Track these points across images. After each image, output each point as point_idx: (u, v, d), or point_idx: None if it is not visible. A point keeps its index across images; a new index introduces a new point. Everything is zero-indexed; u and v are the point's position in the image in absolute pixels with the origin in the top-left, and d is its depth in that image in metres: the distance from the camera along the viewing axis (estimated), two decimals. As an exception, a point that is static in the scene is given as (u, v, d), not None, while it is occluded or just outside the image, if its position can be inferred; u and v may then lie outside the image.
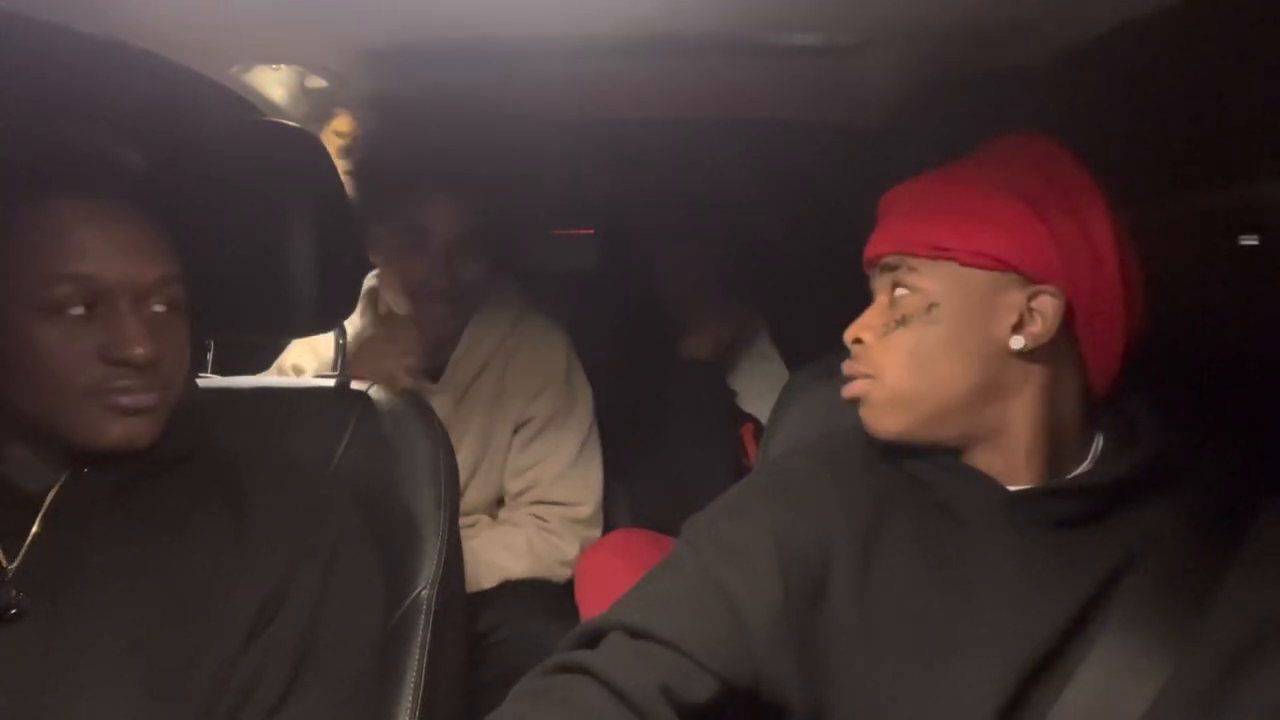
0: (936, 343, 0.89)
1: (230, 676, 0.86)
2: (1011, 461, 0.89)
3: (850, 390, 0.94)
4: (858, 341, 0.93)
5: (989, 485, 0.88)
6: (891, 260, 0.92)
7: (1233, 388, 1.02)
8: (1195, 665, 0.79)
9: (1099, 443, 0.92)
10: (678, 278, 1.83)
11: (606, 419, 1.69)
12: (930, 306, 0.89)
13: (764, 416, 1.38)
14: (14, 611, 0.84)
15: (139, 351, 0.85)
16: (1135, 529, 0.85)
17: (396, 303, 1.56)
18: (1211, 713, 0.77)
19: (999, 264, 0.87)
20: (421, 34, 1.08)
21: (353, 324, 1.57)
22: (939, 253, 0.89)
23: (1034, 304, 0.87)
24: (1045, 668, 0.82)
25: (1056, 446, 0.90)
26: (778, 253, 1.90)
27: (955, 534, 0.88)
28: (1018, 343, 0.87)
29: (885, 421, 0.92)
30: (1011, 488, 0.88)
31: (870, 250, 0.95)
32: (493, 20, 1.03)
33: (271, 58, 1.16)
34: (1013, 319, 0.87)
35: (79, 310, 0.85)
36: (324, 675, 0.90)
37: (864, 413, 0.93)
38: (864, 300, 0.96)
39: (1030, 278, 0.87)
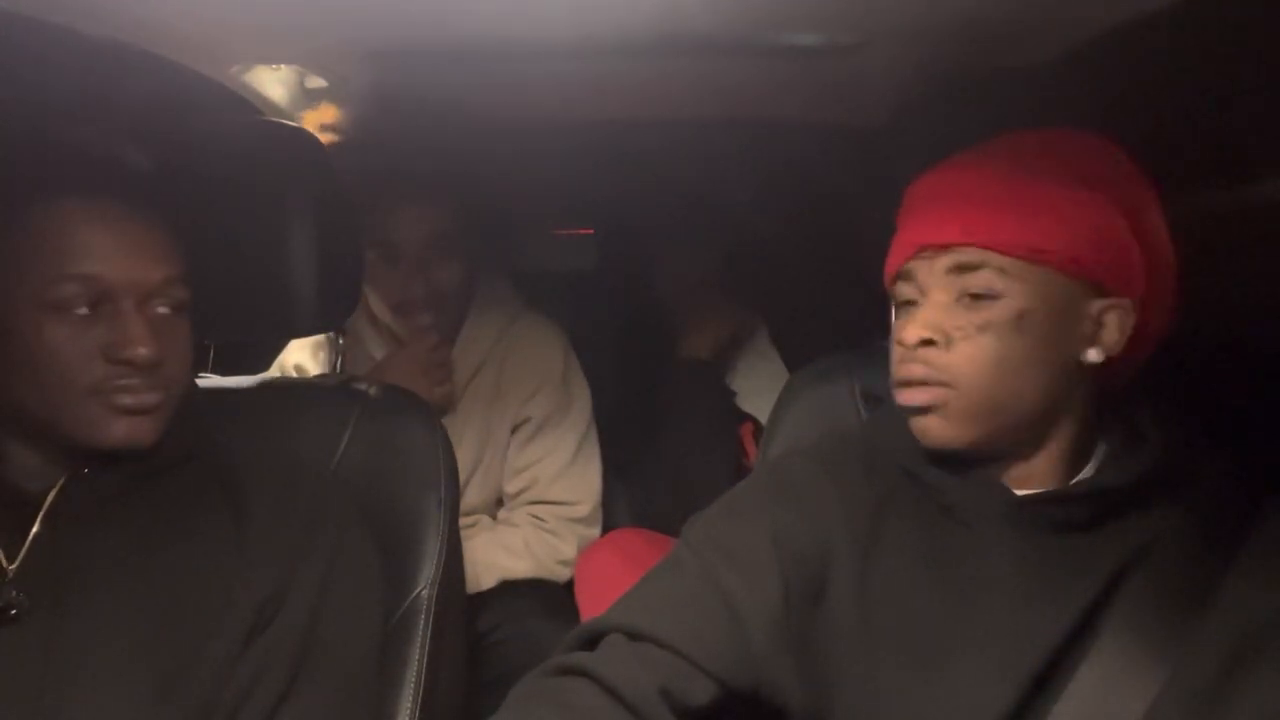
0: (1023, 354, 0.83)
1: (230, 677, 0.86)
2: (1037, 469, 0.88)
3: (919, 397, 0.86)
4: (927, 343, 0.85)
5: (994, 489, 0.88)
6: (971, 256, 0.84)
7: (1233, 388, 1.02)
8: (1195, 666, 0.79)
9: (1102, 446, 0.91)
10: (677, 278, 1.83)
11: (606, 419, 1.69)
12: (1021, 315, 0.83)
13: (764, 416, 1.38)
14: (14, 612, 0.84)
15: (142, 352, 0.85)
16: (1138, 532, 0.85)
17: (384, 318, 1.56)
18: (1211, 714, 0.77)
19: (1090, 275, 0.83)
20: (421, 34, 1.08)
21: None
22: (1034, 255, 0.82)
23: (1105, 316, 0.84)
24: (1048, 672, 0.82)
25: (1077, 454, 0.89)
26: (777, 253, 1.90)
27: (957, 536, 0.88)
28: (1095, 356, 0.84)
29: (955, 433, 0.86)
30: (1019, 492, 0.87)
31: (930, 236, 0.86)
32: (493, 20, 1.03)
33: (271, 58, 1.16)
34: (1087, 330, 0.84)
35: (83, 310, 0.85)
36: (324, 675, 0.90)
37: (929, 422, 0.86)
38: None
39: (1108, 290, 0.84)
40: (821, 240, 1.76)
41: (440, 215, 1.51)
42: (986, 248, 0.83)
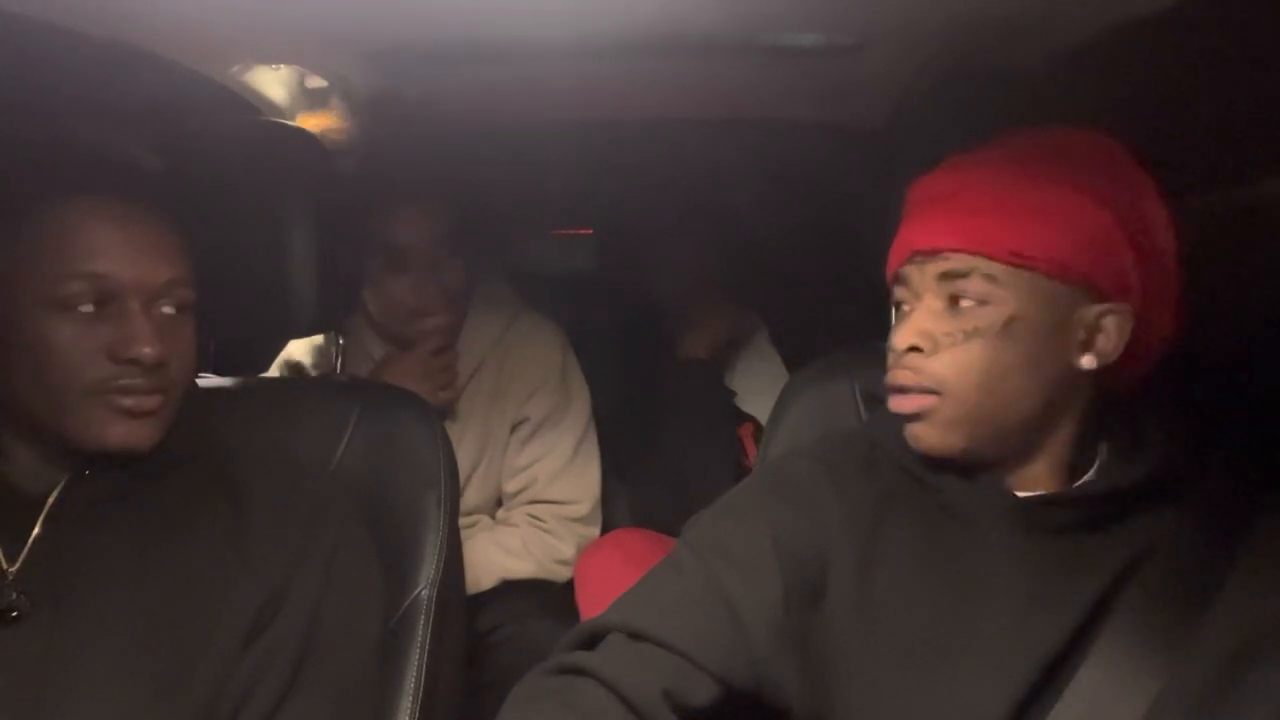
0: (1013, 361, 0.82)
1: (230, 677, 0.86)
2: (1038, 472, 0.88)
3: (906, 404, 0.86)
4: (914, 350, 0.85)
5: (996, 490, 0.87)
6: (959, 263, 0.83)
7: (1233, 389, 1.02)
8: (1195, 668, 0.79)
9: (1104, 448, 0.90)
10: (677, 278, 1.83)
11: (606, 419, 1.69)
12: (1010, 321, 0.82)
13: (763, 416, 1.38)
14: (15, 614, 0.84)
15: (147, 352, 0.85)
16: (1139, 534, 0.85)
17: (391, 323, 1.54)
18: (1211, 715, 0.77)
19: (1081, 279, 0.82)
20: (421, 34, 1.08)
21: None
22: (1020, 260, 0.81)
23: (1103, 321, 0.83)
24: (1049, 673, 0.82)
25: (1078, 457, 0.89)
26: (777, 253, 1.90)
27: (958, 537, 0.88)
28: (1089, 363, 0.84)
29: (944, 440, 0.85)
30: (1020, 494, 0.87)
31: (921, 241, 0.85)
32: (493, 20, 1.03)
33: (271, 58, 1.16)
34: (1081, 336, 0.83)
35: (89, 308, 0.85)
36: (324, 676, 0.90)
37: (919, 429, 0.86)
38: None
39: (1104, 295, 0.83)
40: (821, 240, 1.76)
41: (445, 215, 1.51)
42: (975, 253, 0.82)
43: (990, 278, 0.82)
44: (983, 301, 0.82)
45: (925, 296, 0.86)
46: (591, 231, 2.28)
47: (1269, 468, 0.88)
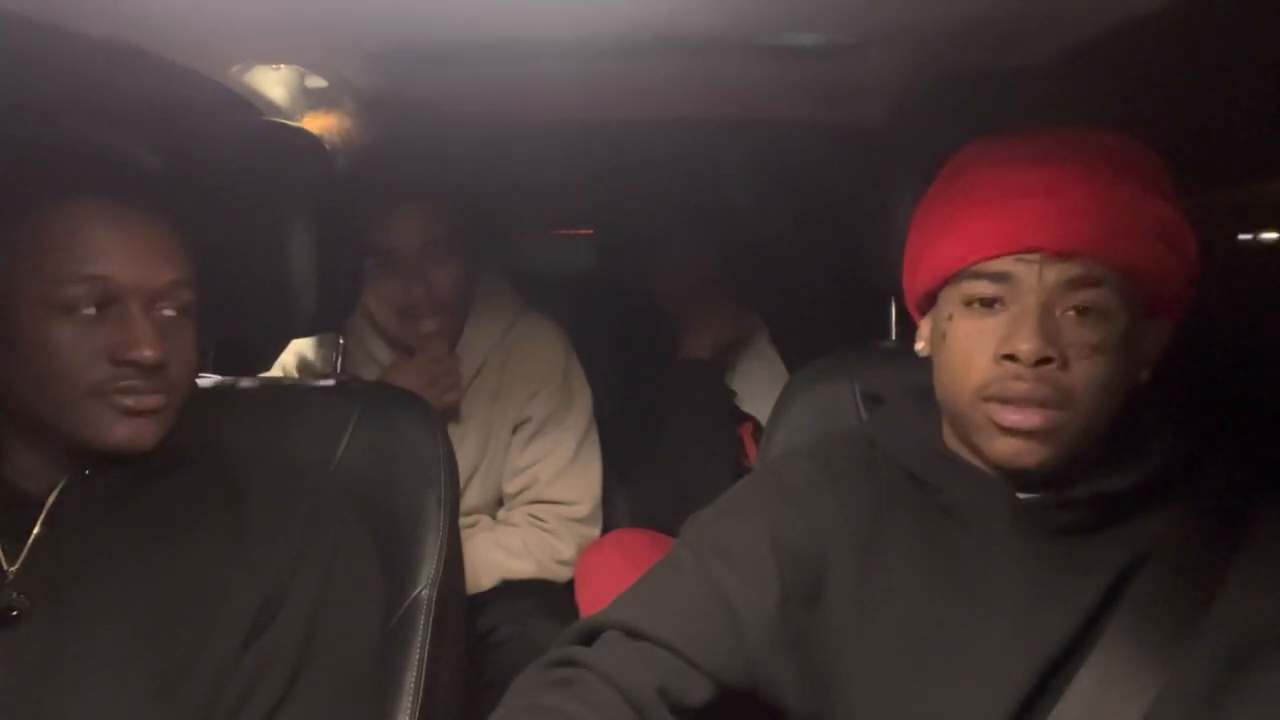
0: (1123, 376, 0.79)
1: (231, 677, 0.86)
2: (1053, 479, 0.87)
3: (1033, 420, 0.78)
4: (1046, 361, 0.78)
5: (996, 492, 0.86)
6: (1090, 271, 0.78)
7: (1233, 388, 1.02)
8: (1194, 668, 0.79)
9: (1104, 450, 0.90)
10: (677, 278, 1.83)
11: (606, 419, 1.69)
12: (1126, 336, 0.79)
13: (763, 416, 1.38)
14: (15, 613, 0.84)
15: (148, 354, 0.86)
16: (1139, 535, 0.85)
17: (386, 323, 1.55)
18: (1210, 716, 0.77)
19: (1164, 298, 0.81)
20: (422, 34, 1.08)
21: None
22: (1139, 275, 0.79)
23: (1159, 335, 0.83)
24: (1049, 675, 0.82)
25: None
26: (777, 253, 1.90)
27: (958, 537, 0.87)
28: (1146, 375, 0.83)
29: (1053, 457, 0.80)
30: (1020, 495, 0.86)
31: (1042, 241, 0.78)
32: (493, 20, 1.03)
33: (271, 58, 1.16)
34: (1145, 350, 0.83)
35: (90, 310, 0.85)
36: (324, 676, 0.90)
37: (1029, 446, 0.79)
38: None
39: (1167, 311, 0.83)
40: (821, 240, 1.76)
41: (435, 219, 1.50)
42: (1106, 263, 0.78)
43: (1115, 290, 0.78)
44: (1105, 314, 0.78)
45: (1037, 299, 0.79)
46: (591, 231, 2.28)
47: (1269, 468, 0.88)
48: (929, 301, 0.91)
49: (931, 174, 0.92)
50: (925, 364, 0.94)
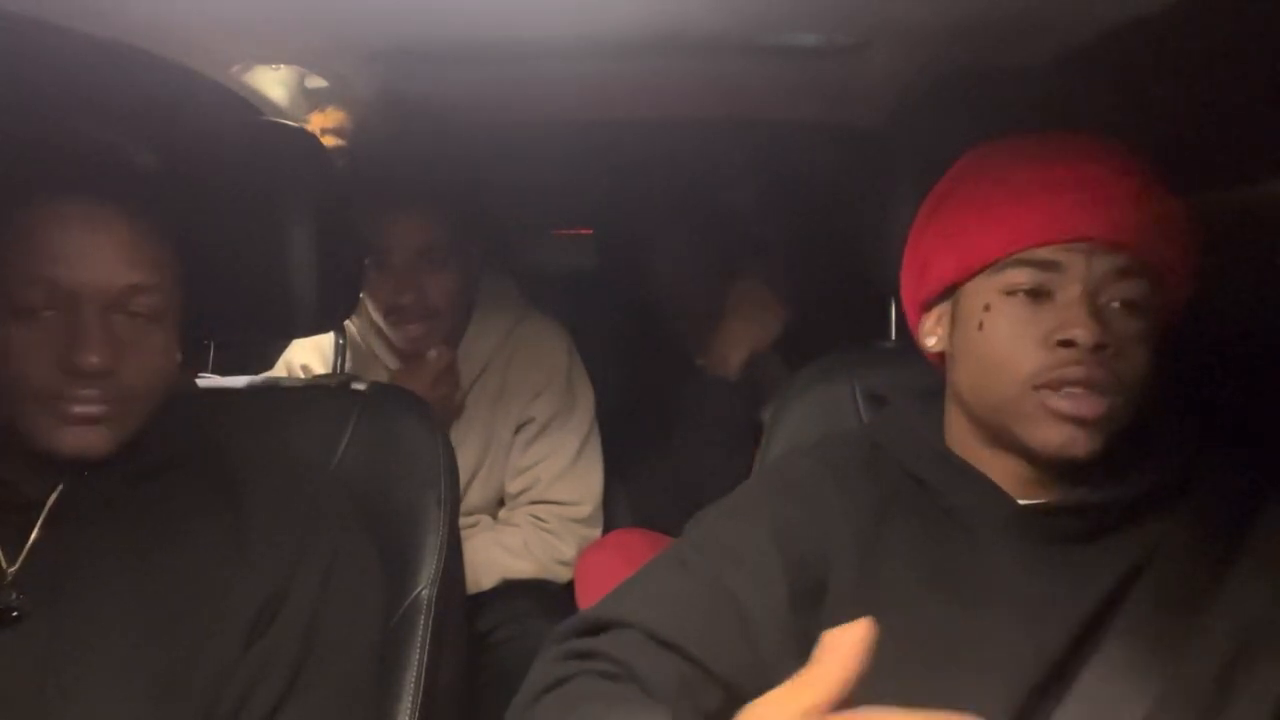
0: (1152, 373, 0.80)
1: (230, 678, 0.86)
2: (1042, 478, 0.86)
3: (1093, 407, 0.78)
4: (1101, 348, 0.77)
5: (996, 497, 0.86)
6: (1140, 263, 0.79)
7: (1233, 388, 1.02)
8: (1194, 669, 0.79)
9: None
10: (676, 277, 1.82)
11: (606, 419, 1.69)
12: (1161, 329, 0.80)
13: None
14: (15, 614, 0.84)
15: (93, 360, 0.82)
16: (1142, 539, 0.84)
17: (381, 321, 1.54)
18: (1210, 716, 0.77)
19: (1176, 301, 0.83)
20: (422, 34, 1.08)
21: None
22: (1169, 271, 0.81)
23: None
24: (1050, 679, 0.81)
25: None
26: (777, 253, 1.90)
27: (960, 540, 0.87)
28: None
29: (1101, 448, 0.80)
30: (1021, 501, 0.86)
31: (1098, 230, 0.79)
32: (493, 20, 1.03)
33: (271, 58, 1.16)
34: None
35: (48, 314, 0.83)
36: (324, 676, 0.90)
37: (1084, 434, 0.79)
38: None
39: (1169, 312, 0.84)
40: (821, 240, 1.75)
41: (431, 228, 1.48)
42: (1145, 258, 0.79)
43: (1156, 283, 0.80)
44: (1144, 307, 0.79)
45: (1084, 289, 0.79)
46: (591, 231, 2.28)
47: (1269, 468, 0.88)
48: (939, 298, 0.90)
49: (932, 174, 0.92)
50: (925, 364, 0.94)
